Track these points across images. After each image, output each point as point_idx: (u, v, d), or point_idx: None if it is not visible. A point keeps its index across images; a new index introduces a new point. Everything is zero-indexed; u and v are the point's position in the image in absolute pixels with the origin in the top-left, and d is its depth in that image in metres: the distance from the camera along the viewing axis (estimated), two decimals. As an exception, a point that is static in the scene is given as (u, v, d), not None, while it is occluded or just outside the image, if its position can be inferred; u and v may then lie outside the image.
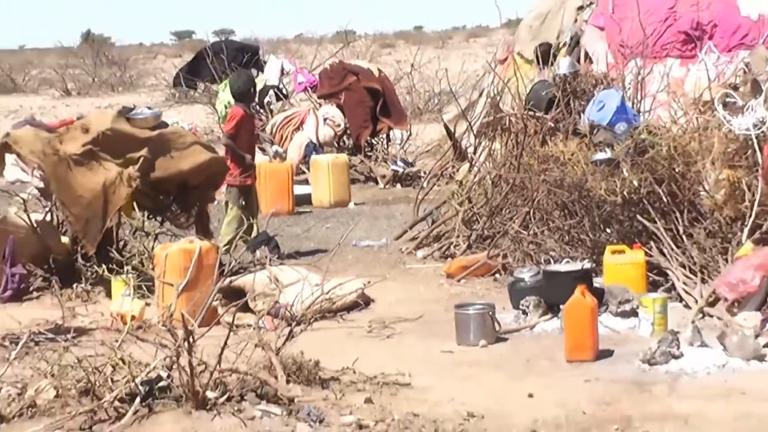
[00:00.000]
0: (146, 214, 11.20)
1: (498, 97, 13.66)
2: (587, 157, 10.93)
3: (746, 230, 9.82)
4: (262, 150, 19.71)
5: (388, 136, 19.70)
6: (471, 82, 17.05)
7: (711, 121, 10.50)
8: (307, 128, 19.33)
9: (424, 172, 16.14)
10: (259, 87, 22.14)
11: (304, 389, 7.66)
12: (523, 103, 12.53)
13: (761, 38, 12.34)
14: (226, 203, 13.15)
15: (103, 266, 10.79)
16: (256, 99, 21.89)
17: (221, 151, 13.29)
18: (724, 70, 11.35)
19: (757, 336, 8.63)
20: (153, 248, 10.43)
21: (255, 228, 12.53)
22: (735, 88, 10.69)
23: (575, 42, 13.64)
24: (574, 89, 12.09)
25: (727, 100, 10.43)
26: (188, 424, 7.11)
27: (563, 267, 10.15)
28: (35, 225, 11.43)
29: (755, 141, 9.94)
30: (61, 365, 7.58)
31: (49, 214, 11.59)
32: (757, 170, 9.86)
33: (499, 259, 11.54)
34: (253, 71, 24.06)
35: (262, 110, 21.73)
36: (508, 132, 12.53)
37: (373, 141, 19.41)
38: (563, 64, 12.92)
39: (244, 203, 13.11)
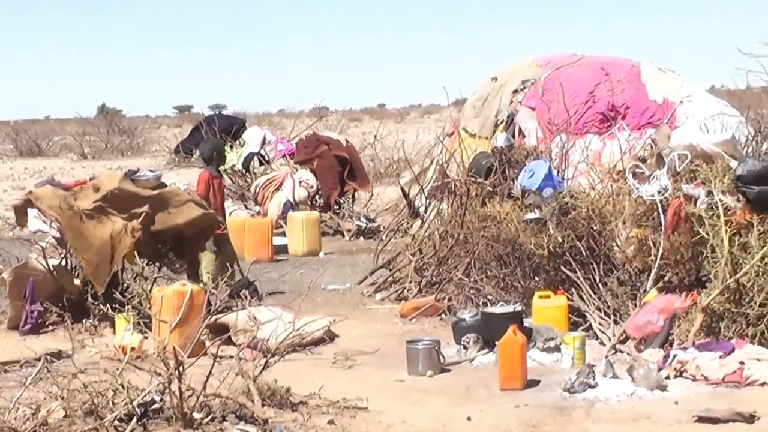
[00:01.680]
0: (146, 260, 11.21)
1: (445, 165, 13.71)
2: (519, 216, 10.99)
3: (651, 280, 9.85)
4: (246, 207, 19.72)
5: (353, 196, 19.71)
6: (424, 151, 17.11)
7: (623, 188, 10.54)
8: (285, 189, 19.33)
9: (383, 227, 16.12)
10: (243, 155, 22.22)
11: (276, 412, 7.68)
12: (467, 170, 12.56)
13: (665, 119, 12.41)
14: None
15: (108, 305, 10.76)
16: (240, 164, 22.04)
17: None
18: (634, 144, 11.39)
19: (659, 369, 8.66)
20: (151, 290, 10.44)
21: (235, 272, 12.50)
22: (643, 160, 10.74)
23: (510, 120, 13.69)
24: (509, 159, 12.16)
25: (636, 170, 10.46)
26: (177, 442, 7.10)
27: (498, 309, 10.19)
28: (52, 269, 11.41)
29: (659, 205, 9.97)
30: (70, 389, 7.55)
31: (64, 260, 11.55)
32: (661, 230, 9.88)
33: (444, 302, 11.54)
34: (241, 140, 24.16)
35: (247, 174, 21.73)
36: (453, 194, 12.57)
37: (341, 200, 19.41)
38: (500, 138, 12.99)
39: (217, 250, 13.10)
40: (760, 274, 9.26)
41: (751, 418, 7.50)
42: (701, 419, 7.55)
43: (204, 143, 15.73)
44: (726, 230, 9.51)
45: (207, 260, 13.06)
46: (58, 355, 9.20)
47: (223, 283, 11.46)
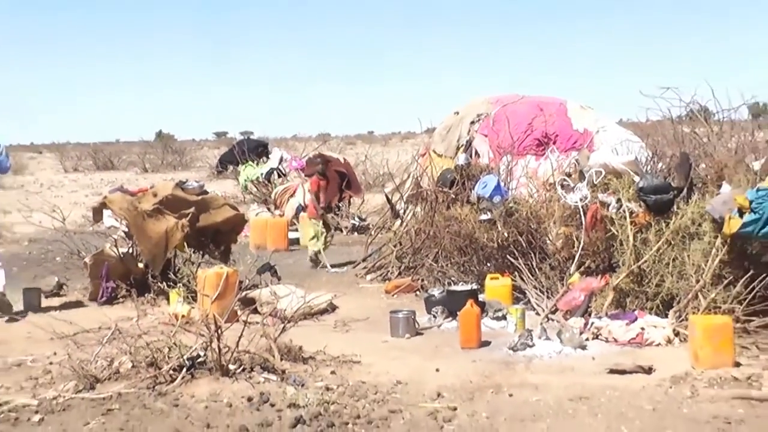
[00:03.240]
0: (192, 249, 11.16)
1: (419, 178, 13.68)
2: (475, 217, 10.96)
3: (574, 266, 9.84)
4: (268, 209, 19.67)
5: (349, 201, 19.58)
6: (403, 168, 16.99)
7: (553, 196, 10.53)
8: (298, 195, 19.27)
9: (372, 225, 16.06)
10: (266, 169, 22.18)
11: (291, 364, 7.69)
12: (435, 182, 12.53)
13: (585, 144, 12.39)
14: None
15: (164, 283, 10.80)
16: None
17: (241, 208, 13.42)
18: (562, 163, 11.36)
19: (581, 333, 8.67)
20: (196, 271, 10.39)
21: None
22: (569, 175, 10.73)
23: (468, 144, 13.64)
24: (467, 174, 12.10)
25: (564, 183, 10.44)
26: (216, 386, 7.12)
27: (459, 287, 10.17)
28: (122, 255, 11.42)
29: (581, 209, 9.96)
30: (136, 346, 7.59)
31: (131, 249, 11.52)
32: (582, 228, 9.88)
33: (418, 282, 11.53)
34: (265, 158, 24.12)
35: (269, 184, 21.65)
36: (425, 200, 12.53)
37: (340, 204, 19.30)
38: (461, 158, 12.94)
39: (325, 230, 14.54)
40: (656, 261, 9.27)
41: (649, 370, 7.51)
42: (612, 371, 7.56)
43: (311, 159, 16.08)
44: (631, 229, 9.52)
45: (315, 233, 14.43)
46: (126, 320, 9.18)
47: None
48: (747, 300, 8.46)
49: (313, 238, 14.46)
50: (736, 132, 10.92)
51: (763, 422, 6.18)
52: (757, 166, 9.26)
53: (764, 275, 8.48)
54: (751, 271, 8.57)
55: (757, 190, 8.53)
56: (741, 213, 8.52)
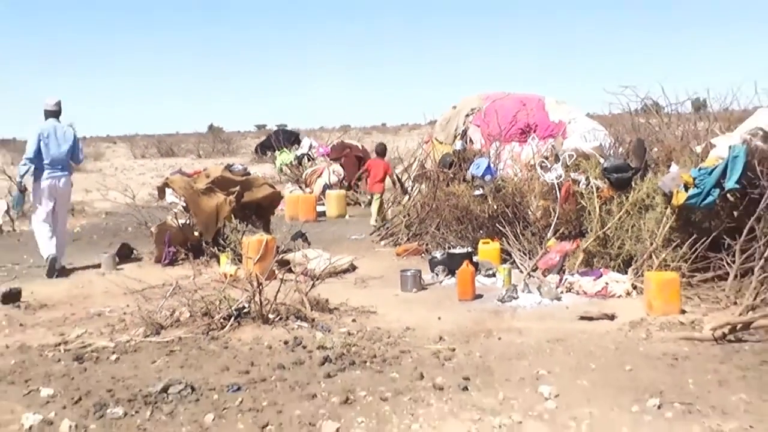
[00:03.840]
0: (238, 221, 11.15)
1: (424, 161, 13.68)
2: (470, 193, 10.93)
3: (551, 232, 9.81)
4: (300, 188, 19.66)
5: (366, 181, 19.65)
6: (410, 153, 16.99)
7: (534, 175, 10.49)
8: (324, 176, 19.30)
9: (386, 200, 16.04)
10: (298, 154, 22.16)
11: (320, 314, 7.68)
12: (437, 164, 12.51)
13: (560, 132, 12.35)
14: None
15: (216, 248, 10.81)
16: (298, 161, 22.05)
17: (278, 187, 13.46)
18: (541, 148, 11.32)
19: (556, 287, 8.65)
20: (241, 238, 10.37)
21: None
22: (546, 158, 10.67)
23: (464, 132, 13.62)
24: (463, 158, 12.09)
25: (542, 164, 10.40)
26: (258, 332, 7.13)
27: (457, 250, 10.18)
28: (181, 225, 11.41)
29: (556, 186, 9.92)
30: (192, 299, 7.58)
31: (188, 220, 11.52)
32: (557, 201, 9.85)
33: (424, 246, 11.50)
34: (297, 146, 24.07)
35: (300, 166, 21.63)
36: (429, 179, 12.52)
37: (359, 183, 19.33)
38: (458, 144, 12.94)
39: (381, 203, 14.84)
40: (618, 228, 9.24)
41: (612, 317, 7.51)
42: (582, 317, 7.56)
43: (379, 144, 16.33)
44: (597, 201, 9.49)
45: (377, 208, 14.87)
46: (185, 278, 9.21)
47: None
48: (691, 259, 8.47)
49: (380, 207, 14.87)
50: (682, 122, 10.89)
51: (702, 357, 6.19)
52: (698, 149, 9.23)
53: (705, 238, 8.48)
54: (694, 236, 8.57)
55: (699, 169, 8.52)
56: (686, 188, 8.50)
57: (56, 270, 10.64)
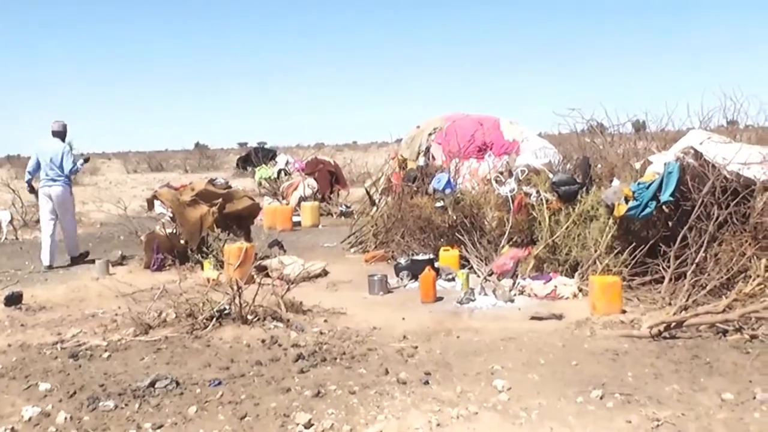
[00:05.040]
0: (220, 230, 11.10)
1: (390, 176, 13.65)
2: (432, 205, 10.94)
3: (505, 240, 9.85)
4: (278, 200, 19.60)
5: (338, 193, 19.59)
6: (378, 168, 16.98)
7: (490, 189, 10.53)
8: (299, 189, 19.23)
9: (355, 211, 15.99)
10: (275, 170, 22.10)
11: (294, 315, 7.63)
12: (402, 178, 12.50)
13: (513, 150, 12.38)
14: None
15: (199, 255, 10.76)
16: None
17: (257, 199, 13.40)
18: (496, 165, 11.36)
19: (510, 290, 8.67)
20: (223, 246, 10.32)
21: None
22: (501, 173, 10.73)
23: (427, 150, 13.61)
24: (426, 172, 12.08)
25: (497, 179, 10.46)
26: (238, 331, 7.09)
27: (420, 257, 10.16)
28: (168, 234, 11.31)
29: (510, 199, 9.98)
30: (178, 302, 7.53)
31: (175, 229, 11.42)
32: (511, 212, 9.90)
33: (390, 253, 11.47)
34: (275, 161, 24.01)
35: (278, 180, 21.57)
36: (394, 192, 12.50)
37: (331, 196, 19.29)
38: (421, 161, 12.89)
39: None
40: (566, 237, 9.30)
41: (560, 317, 7.54)
42: (533, 317, 7.59)
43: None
44: (547, 212, 9.55)
45: None
46: (171, 282, 9.15)
47: None
48: (630, 265, 8.53)
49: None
50: (623, 141, 10.94)
51: (640, 352, 6.23)
52: (637, 166, 9.30)
53: (643, 246, 8.55)
54: (634, 243, 8.64)
55: (638, 183, 8.60)
56: (627, 200, 8.58)
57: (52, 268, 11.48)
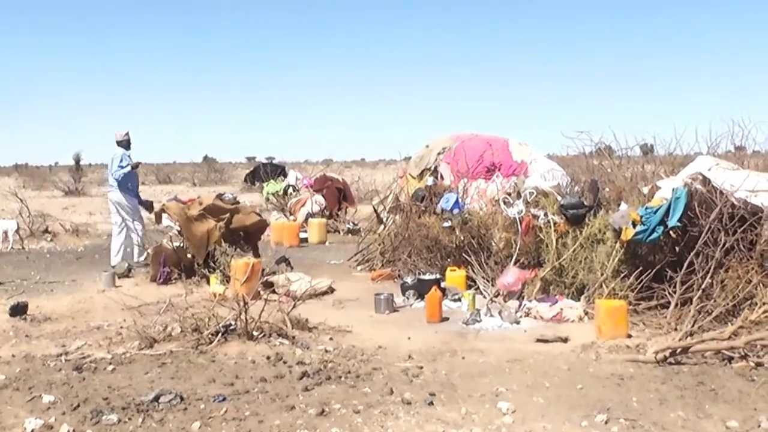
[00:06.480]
0: (228, 244, 11.10)
1: (398, 194, 13.66)
2: (440, 224, 10.94)
3: (512, 261, 9.82)
4: (285, 216, 19.63)
5: (346, 210, 19.60)
6: (386, 186, 17.00)
7: (498, 210, 10.52)
8: (307, 205, 19.24)
9: (362, 229, 16.00)
10: (284, 185, 22.12)
11: (300, 332, 7.63)
12: (410, 197, 12.51)
13: (522, 171, 12.41)
14: None
15: (206, 269, 10.76)
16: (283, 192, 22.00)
17: (265, 215, 13.43)
18: (505, 186, 11.37)
19: (516, 312, 8.67)
20: (230, 261, 10.33)
21: None
22: (509, 194, 10.73)
23: (435, 169, 13.66)
24: (434, 192, 12.11)
25: (506, 200, 10.45)
26: (243, 347, 7.08)
27: (427, 276, 10.11)
28: (175, 248, 11.36)
29: (518, 220, 9.98)
30: (184, 316, 7.57)
31: (182, 243, 11.46)
32: (519, 234, 9.89)
33: (396, 272, 11.48)
34: (283, 177, 24.05)
35: (285, 196, 21.58)
36: (402, 211, 12.50)
37: (339, 213, 19.30)
38: (429, 180, 12.96)
39: None
40: (572, 259, 9.29)
41: (566, 340, 7.53)
42: (539, 340, 7.58)
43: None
44: (554, 235, 9.55)
45: None
46: (177, 296, 9.16)
47: None
48: (637, 289, 8.52)
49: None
50: (631, 165, 10.98)
51: (646, 377, 6.22)
52: (645, 190, 9.31)
53: (649, 270, 8.55)
54: (640, 268, 8.64)
55: (646, 208, 8.60)
56: (634, 224, 8.57)
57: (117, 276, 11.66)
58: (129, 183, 12.88)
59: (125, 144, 13.00)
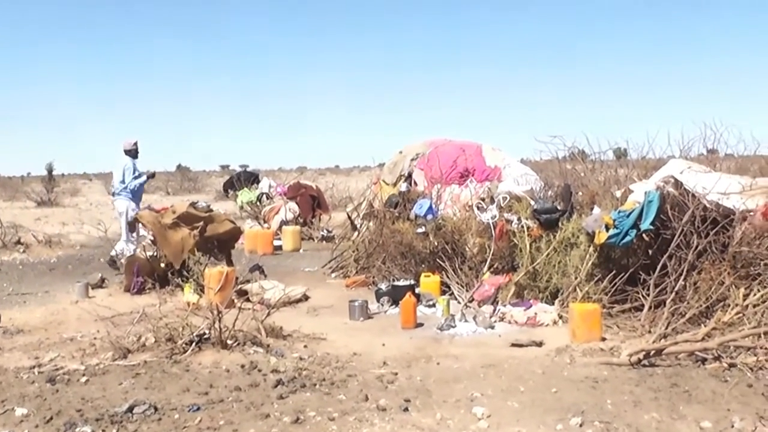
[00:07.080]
0: (201, 253, 11.05)
1: (372, 201, 13.65)
2: (413, 230, 10.96)
3: (486, 266, 9.86)
4: (259, 223, 19.58)
5: (320, 218, 19.56)
6: (360, 193, 16.99)
7: (471, 215, 10.56)
8: (281, 213, 19.21)
9: (336, 236, 15.98)
10: (257, 194, 22.07)
11: (274, 340, 7.60)
12: (384, 203, 12.51)
13: (495, 176, 12.45)
14: None
15: (180, 278, 10.65)
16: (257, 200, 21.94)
17: (238, 222, 13.41)
18: (478, 191, 11.42)
19: (490, 317, 8.68)
20: (204, 270, 10.27)
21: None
22: (483, 199, 10.77)
23: (409, 175, 13.66)
24: (408, 198, 12.12)
25: (479, 205, 10.50)
26: (218, 356, 7.03)
27: (401, 282, 10.16)
28: (149, 257, 11.29)
29: (491, 225, 10.01)
30: (158, 326, 7.49)
31: (155, 252, 11.39)
32: (492, 239, 9.93)
33: (371, 278, 11.48)
34: (257, 185, 23.97)
35: (259, 204, 21.52)
36: (376, 217, 12.49)
37: (313, 220, 19.27)
38: (403, 186, 12.97)
39: None
40: (546, 264, 9.34)
41: (540, 344, 7.56)
42: (513, 344, 7.60)
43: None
44: (528, 239, 9.59)
45: None
46: (151, 306, 9.10)
47: None
48: (610, 292, 8.59)
49: None
50: (604, 169, 11.06)
51: (620, 380, 6.25)
52: (618, 194, 9.39)
53: (623, 274, 8.61)
54: (614, 271, 8.70)
55: (619, 211, 8.67)
56: (607, 228, 8.64)
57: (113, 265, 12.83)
58: (140, 192, 13.46)
59: (133, 153, 13.29)
